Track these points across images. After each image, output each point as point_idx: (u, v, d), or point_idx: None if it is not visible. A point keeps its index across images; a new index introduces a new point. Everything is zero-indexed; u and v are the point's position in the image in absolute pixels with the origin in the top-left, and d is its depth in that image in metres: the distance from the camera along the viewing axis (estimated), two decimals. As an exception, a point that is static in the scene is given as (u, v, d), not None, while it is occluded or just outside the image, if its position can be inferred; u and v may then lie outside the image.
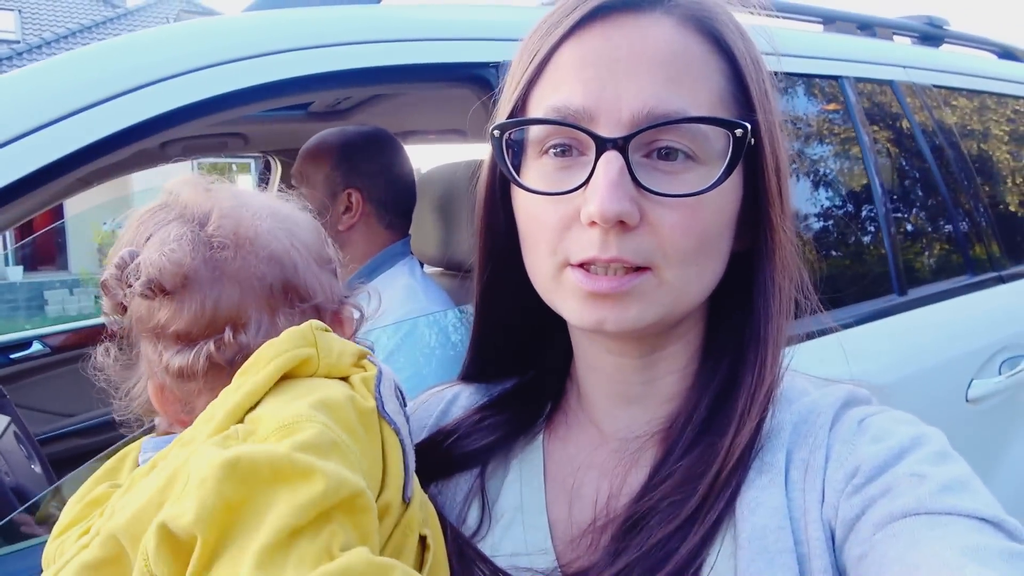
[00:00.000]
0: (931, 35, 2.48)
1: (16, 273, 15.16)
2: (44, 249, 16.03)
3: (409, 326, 1.48)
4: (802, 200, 1.84)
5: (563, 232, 0.59)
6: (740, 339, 0.63)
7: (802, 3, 2.21)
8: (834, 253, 1.94)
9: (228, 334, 0.65)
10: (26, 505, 1.27)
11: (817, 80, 1.91)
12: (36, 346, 2.66)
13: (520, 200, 0.64)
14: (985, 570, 0.45)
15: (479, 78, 1.28)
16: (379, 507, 0.55)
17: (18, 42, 17.07)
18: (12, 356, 2.59)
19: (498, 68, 1.25)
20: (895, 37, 2.37)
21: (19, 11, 18.53)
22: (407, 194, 1.76)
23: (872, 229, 1.96)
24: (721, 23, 0.60)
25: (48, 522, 1.33)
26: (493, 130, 0.63)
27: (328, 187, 1.68)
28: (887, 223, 1.92)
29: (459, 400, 0.78)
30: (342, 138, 1.74)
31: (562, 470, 0.69)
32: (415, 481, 0.62)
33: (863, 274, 1.95)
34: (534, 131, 0.61)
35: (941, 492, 0.51)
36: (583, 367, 0.71)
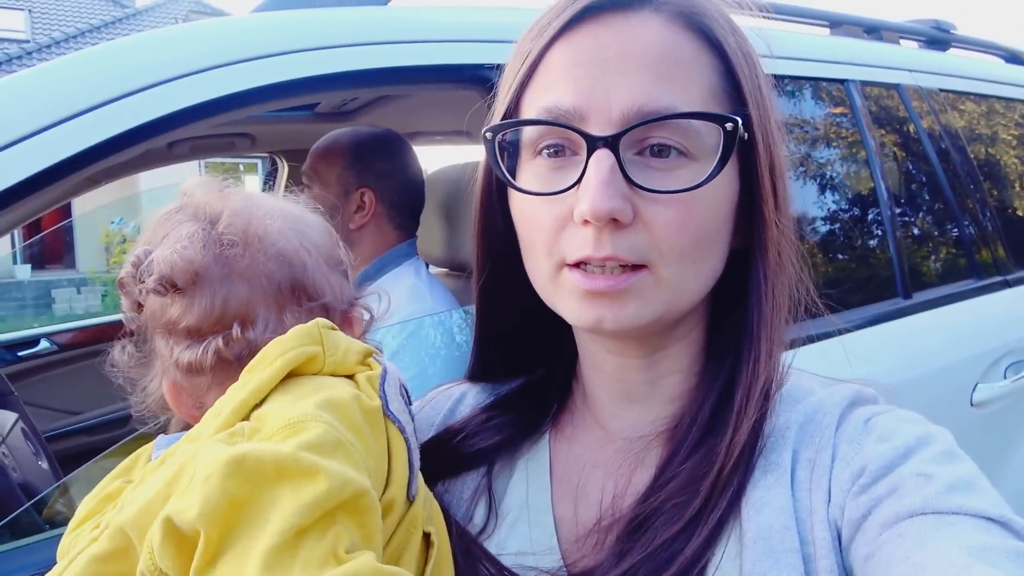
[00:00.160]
0: (938, 39, 2.48)
1: (24, 271, 15.23)
2: (52, 248, 16.09)
3: (414, 326, 1.49)
4: (807, 203, 1.84)
5: (558, 232, 0.59)
6: (739, 338, 0.63)
7: (808, 6, 2.21)
8: (839, 256, 1.94)
9: (236, 330, 0.66)
10: (33, 501, 1.28)
11: (823, 83, 1.91)
12: (44, 344, 2.67)
13: (516, 201, 0.64)
14: (992, 570, 0.45)
15: (485, 79, 1.28)
16: (383, 505, 0.55)
17: (28, 41, 17.14)
18: (20, 353, 2.60)
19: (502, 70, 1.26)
20: (902, 41, 2.36)
21: (29, 11, 18.62)
22: (417, 195, 1.77)
23: (877, 232, 1.95)
24: (711, 19, 0.60)
25: (54, 518, 1.34)
26: (485, 132, 0.63)
27: (341, 186, 1.69)
28: (892, 226, 1.92)
29: (466, 399, 0.79)
30: (356, 138, 1.75)
31: (568, 469, 0.70)
32: (419, 479, 0.63)
33: (868, 277, 1.95)
34: (527, 132, 0.62)
35: (948, 492, 0.51)
36: (587, 367, 0.71)
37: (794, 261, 0.64)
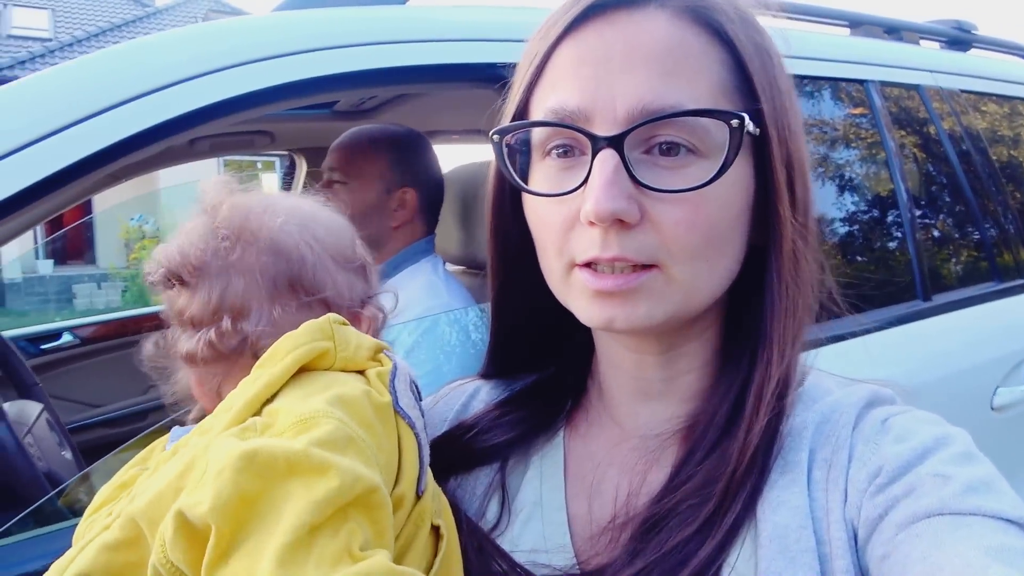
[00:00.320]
0: (959, 39, 2.45)
1: (46, 266, 15.43)
2: (73, 244, 16.29)
3: (430, 323, 1.50)
4: (826, 204, 1.83)
5: (567, 233, 0.59)
6: (755, 337, 0.62)
7: (828, 6, 2.19)
8: (858, 258, 1.93)
9: (226, 322, 0.67)
10: (57, 490, 1.30)
11: (842, 84, 1.89)
12: (66, 337, 2.71)
13: (527, 202, 0.64)
14: (1010, 570, 0.45)
15: (501, 78, 1.29)
16: (393, 500, 0.56)
17: (50, 39, 17.35)
18: (43, 347, 2.64)
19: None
20: (922, 42, 2.34)
21: (52, 9, 18.85)
22: (440, 193, 1.80)
23: (897, 234, 1.94)
24: (719, 12, 0.59)
25: (76, 507, 1.36)
26: (493, 135, 0.63)
27: (383, 183, 1.70)
28: (912, 228, 1.90)
29: (479, 395, 0.79)
30: (396, 135, 1.76)
31: (582, 467, 0.69)
32: (429, 473, 0.63)
33: (887, 279, 1.93)
34: (537, 133, 0.61)
35: (965, 493, 0.51)
36: (604, 363, 0.71)
37: (813, 260, 0.62)
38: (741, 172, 0.59)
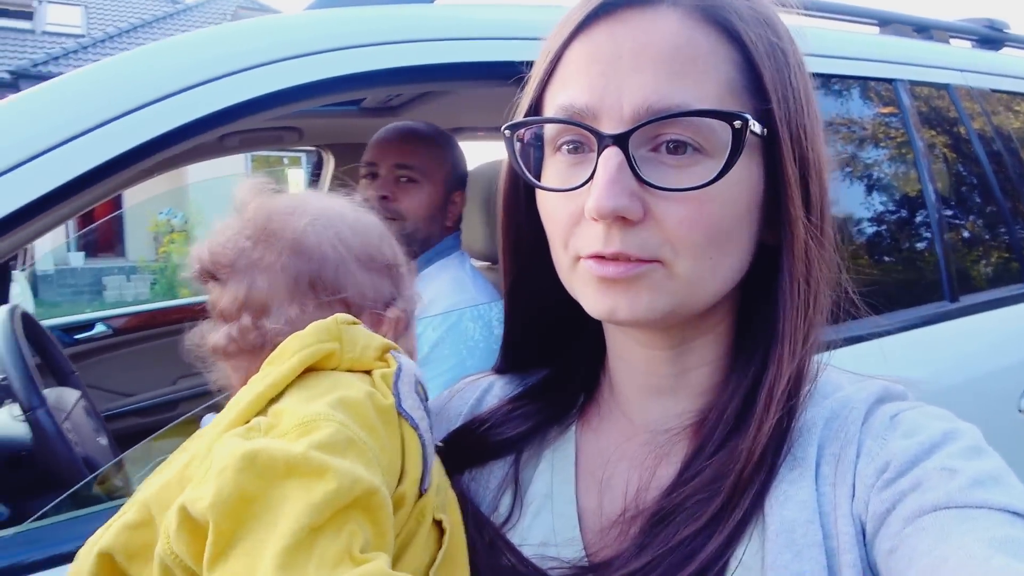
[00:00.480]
0: (990, 38, 2.42)
1: (78, 259, 15.70)
2: (103, 237, 16.55)
3: (455, 318, 1.52)
4: (854, 203, 1.82)
5: (573, 227, 0.60)
6: (766, 335, 0.63)
7: (857, 5, 2.18)
8: (884, 258, 1.92)
9: (246, 319, 0.69)
10: (95, 474, 1.34)
11: (871, 83, 1.88)
12: (99, 327, 2.77)
13: (539, 197, 0.65)
14: (1013, 561, 0.45)
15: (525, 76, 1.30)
16: (395, 499, 0.57)
17: (83, 36, 17.64)
18: (76, 337, 2.70)
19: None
20: (952, 41, 2.32)
21: (85, 6, 19.15)
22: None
23: (924, 234, 1.92)
24: (731, 11, 0.59)
25: (112, 492, 1.40)
26: (504, 130, 0.64)
27: (445, 185, 1.75)
28: (940, 228, 1.89)
29: (493, 390, 0.79)
30: (450, 139, 1.81)
31: (593, 461, 0.70)
32: (433, 471, 0.64)
33: (914, 279, 1.92)
34: (549, 129, 0.62)
35: (972, 486, 0.51)
36: (614, 358, 0.71)
37: (828, 260, 0.62)
38: (748, 171, 0.59)
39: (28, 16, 18.38)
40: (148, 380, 2.73)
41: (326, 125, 2.50)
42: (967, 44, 2.41)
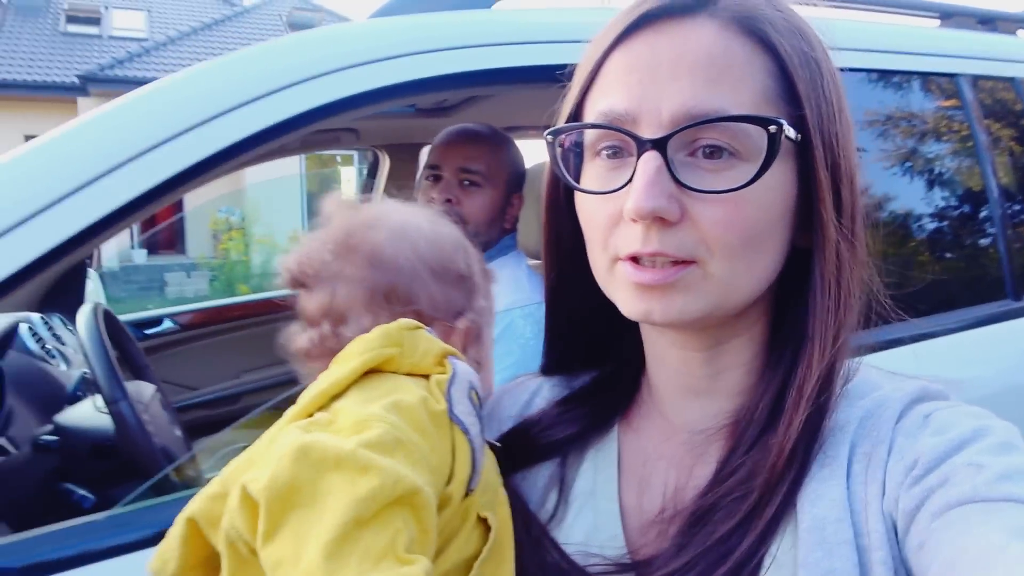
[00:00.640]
0: (1061, 28, 2.35)
1: (140, 256, 16.24)
2: (165, 234, 17.07)
3: (511, 317, 1.55)
4: (914, 199, 1.79)
5: (612, 229, 0.62)
6: (798, 336, 0.64)
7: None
8: (945, 255, 1.88)
9: (327, 326, 0.73)
10: (174, 465, 1.41)
11: (932, 78, 1.85)
12: (166, 323, 2.89)
13: (578, 199, 0.67)
14: None
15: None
16: (441, 499, 0.60)
17: (147, 39, 18.22)
18: (146, 332, 2.82)
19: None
20: (1019, 32, 2.25)
21: (148, 11, 19.77)
22: None
23: (988, 231, 1.88)
24: (766, 22, 0.60)
25: (187, 481, 1.47)
26: (547, 135, 0.66)
27: (506, 188, 1.76)
28: (1003, 225, 1.84)
29: (542, 392, 0.81)
30: (509, 141, 1.82)
31: (634, 460, 0.72)
32: (485, 468, 0.67)
33: (976, 277, 1.88)
34: (589, 135, 0.64)
35: (998, 480, 0.51)
36: (651, 360, 0.73)
37: (858, 263, 0.63)
38: (782, 176, 0.60)
39: (96, 22, 19.08)
40: (213, 374, 2.83)
41: (382, 126, 2.56)
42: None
